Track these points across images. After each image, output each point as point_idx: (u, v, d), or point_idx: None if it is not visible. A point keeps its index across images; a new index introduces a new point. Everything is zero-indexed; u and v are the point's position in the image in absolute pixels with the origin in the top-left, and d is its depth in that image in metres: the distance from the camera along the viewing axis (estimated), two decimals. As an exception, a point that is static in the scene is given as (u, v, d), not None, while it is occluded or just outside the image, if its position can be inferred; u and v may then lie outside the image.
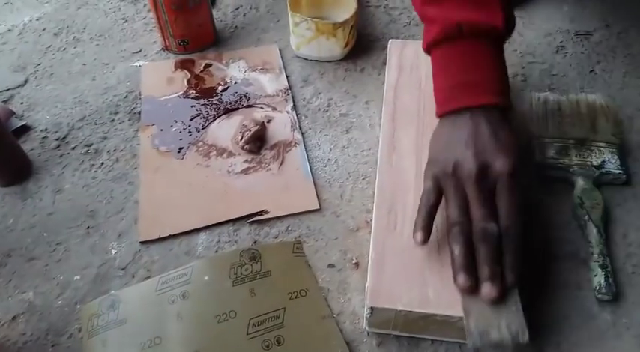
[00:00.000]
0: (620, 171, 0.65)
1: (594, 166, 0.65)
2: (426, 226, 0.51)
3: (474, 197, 0.50)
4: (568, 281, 0.58)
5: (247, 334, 0.53)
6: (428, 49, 0.61)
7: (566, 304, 0.57)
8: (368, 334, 0.55)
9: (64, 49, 0.92)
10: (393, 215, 0.57)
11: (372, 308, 0.50)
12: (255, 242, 0.63)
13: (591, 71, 0.83)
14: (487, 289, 0.47)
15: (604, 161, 0.66)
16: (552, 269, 0.60)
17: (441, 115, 0.58)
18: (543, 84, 0.81)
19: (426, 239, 0.51)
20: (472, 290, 0.48)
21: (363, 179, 0.69)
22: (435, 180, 0.53)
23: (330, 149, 0.74)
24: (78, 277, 0.61)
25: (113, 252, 0.63)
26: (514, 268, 0.48)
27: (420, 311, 0.49)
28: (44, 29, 0.96)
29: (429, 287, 0.51)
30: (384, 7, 0.97)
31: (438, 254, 0.53)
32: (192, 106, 0.79)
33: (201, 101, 0.80)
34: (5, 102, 0.81)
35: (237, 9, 0.98)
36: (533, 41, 0.89)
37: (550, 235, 0.63)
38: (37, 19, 0.98)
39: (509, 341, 0.45)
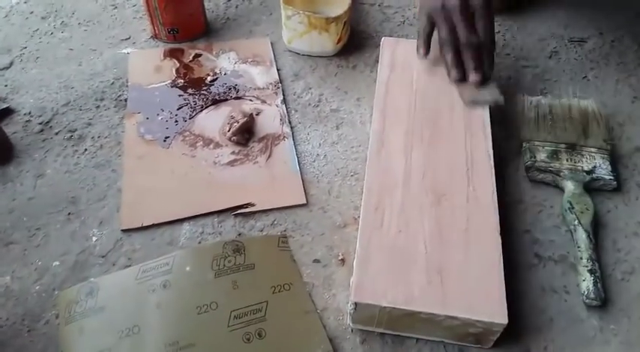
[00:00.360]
0: (611, 178, 0.65)
1: (585, 171, 0.66)
2: (425, 44, 0.72)
3: (459, 21, 0.66)
4: (556, 284, 0.58)
5: (228, 326, 0.52)
6: None
7: (554, 307, 0.57)
8: (352, 331, 0.54)
9: (51, 33, 0.90)
10: (380, 212, 0.57)
11: (355, 304, 0.50)
12: (239, 234, 0.62)
13: (584, 77, 0.83)
14: (473, 76, 0.68)
15: (595, 166, 0.66)
16: (540, 273, 0.59)
17: None
18: (536, 88, 0.81)
19: (426, 53, 0.72)
20: (462, 80, 0.69)
21: (352, 175, 0.69)
22: (428, 15, 0.69)
23: (320, 144, 0.73)
24: (57, 263, 0.59)
25: (94, 239, 0.61)
26: (490, 65, 0.70)
27: (405, 309, 0.49)
28: (32, 12, 0.94)
29: (414, 284, 0.50)
30: (379, 6, 0.96)
31: (424, 252, 0.53)
32: (179, 96, 0.78)
33: (190, 91, 0.78)
34: (-12, 84, 0.79)
35: (229, 0, 0.97)
36: (526, 45, 0.89)
37: (539, 238, 0.62)
38: (25, 2, 0.96)
39: (492, 102, 0.68)
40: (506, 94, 0.79)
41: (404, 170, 0.60)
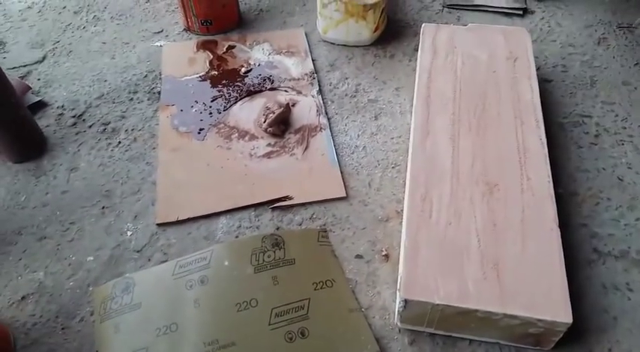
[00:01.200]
0: None
1: None
2: None
3: None
4: (618, 281, 0.54)
5: (269, 324, 0.49)
6: None
7: (617, 306, 0.52)
8: (399, 331, 0.51)
9: (84, 28, 0.89)
10: (428, 203, 0.53)
11: (405, 301, 0.47)
12: (277, 228, 0.60)
13: (636, 64, 0.78)
14: None
15: None
16: (600, 269, 0.55)
17: None
18: (585, 75, 0.77)
19: None
20: None
21: (393, 167, 0.66)
22: None
23: (358, 135, 0.70)
24: (91, 258, 0.57)
25: (128, 233, 0.59)
26: None
27: (459, 306, 0.45)
28: (64, 7, 0.93)
29: (469, 280, 0.47)
30: (416, -6, 0.93)
31: (478, 245, 0.49)
32: (213, 87, 0.76)
33: (224, 82, 0.76)
34: (22, 78, 0.79)
35: (262, -8, 0.94)
36: (573, 32, 0.84)
37: (597, 232, 0.58)
38: (57, -3, 0.96)
39: None
40: (555, 82, 0.76)
41: (452, 159, 0.57)
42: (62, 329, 0.52)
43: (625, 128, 0.70)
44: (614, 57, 0.80)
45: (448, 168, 0.56)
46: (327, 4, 0.78)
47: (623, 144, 0.68)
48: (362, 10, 0.77)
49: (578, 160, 0.66)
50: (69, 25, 0.89)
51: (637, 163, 0.65)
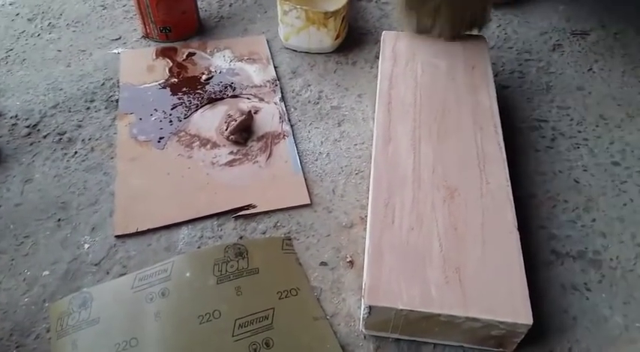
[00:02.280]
0: None
1: None
2: None
3: None
4: (576, 282, 0.55)
5: (233, 336, 0.48)
6: None
7: (576, 306, 0.54)
8: (365, 337, 0.51)
9: (38, 35, 0.86)
10: (391, 208, 0.53)
11: (370, 307, 0.47)
12: (241, 237, 0.59)
13: (589, 70, 0.81)
14: None
15: None
16: (559, 270, 0.57)
17: None
18: (541, 81, 0.79)
19: None
20: None
21: (357, 173, 0.66)
22: None
23: (322, 142, 0.70)
24: (47, 273, 0.55)
25: (86, 246, 0.58)
26: None
27: (423, 311, 0.46)
28: (17, 14, 0.90)
29: (431, 284, 0.47)
30: (376, 2, 0.94)
31: (440, 249, 0.50)
32: (173, 95, 0.74)
33: (184, 90, 0.75)
34: (-29, 87, 0.76)
35: (222, -1, 0.94)
36: (529, 39, 0.87)
37: (555, 234, 0.60)
38: (11, 4, 0.93)
39: None
40: (511, 88, 0.78)
41: (413, 165, 0.57)
42: (17, 347, 0.50)
43: (580, 132, 0.72)
44: (568, 63, 0.82)
45: (410, 173, 0.56)
46: (288, 12, 0.78)
47: (578, 147, 0.70)
48: (323, 17, 0.77)
49: (535, 163, 0.67)
50: (22, 32, 0.87)
51: (592, 166, 0.67)
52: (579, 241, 0.59)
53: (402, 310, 0.46)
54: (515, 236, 0.51)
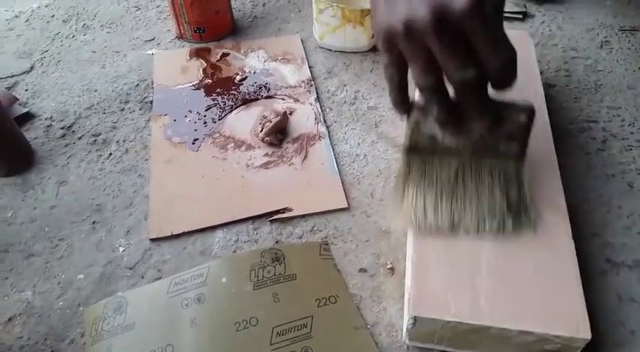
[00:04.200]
0: None
1: None
2: (401, 101, 0.47)
3: (439, 49, 0.39)
4: (634, 293, 0.52)
5: (271, 344, 0.46)
6: None
7: (634, 319, 0.50)
8: (408, 348, 0.48)
9: (73, 36, 0.86)
10: (435, 214, 0.51)
11: (414, 318, 0.44)
12: (277, 242, 0.57)
13: (640, 68, 0.77)
14: (479, 124, 0.44)
15: None
16: (614, 280, 0.53)
17: None
18: (589, 80, 0.75)
19: (406, 112, 0.47)
20: (463, 133, 0.48)
21: (396, 176, 0.63)
22: (390, 47, 0.42)
23: (358, 144, 0.67)
24: (81, 276, 0.54)
25: (120, 249, 0.57)
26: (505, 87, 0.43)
27: (472, 323, 0.43)
28: (52, 16, 0.91)
29: (481, 295, 0.44)
30: (413, -1, 0.91)
31: (489, 258, 0.47)
32: (207, 96, 0.73)
33: (218, 91, 0.74)
34: (9, 88, 0.76)
35: (256, -2, 0.93)
36: (575, 36, 0.83)
37: (609, 241, 0.56)
38: (46, 6, 0.93)
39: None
40: (558, 86, 0.74)
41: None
42: (51, 351, 0.49)
43: (632, 133, 0.68)
44: (617, 60, 0.78)
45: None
46: (324, 10, 0.76)
47: (630, 149, 0.66)
48: (359, 15, 0.75)
49: (586, 167, 0.64)
50: (57, 34, 0.87)
51: (646, 169, 0.63)
52: (636, 249, 0.56)
53: (449, 322, 0.43)
54: (571, 244, 0.48)
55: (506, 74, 0.41)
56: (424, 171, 0.50)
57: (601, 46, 0.81)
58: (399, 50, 0.42)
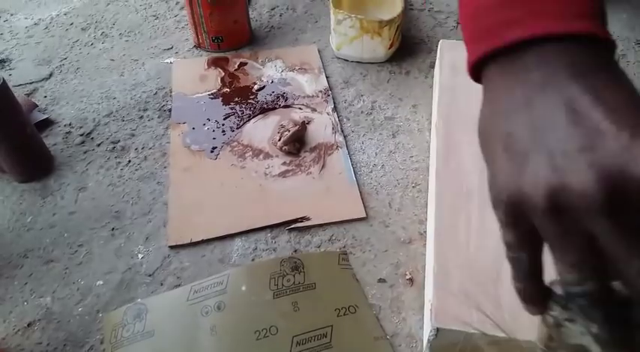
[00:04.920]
0: None
1: None
2: (535, 292, 0.29)
3: (612, 235, 0.23)
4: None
5: (291, 354, 0.46)
6: None
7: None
8: (428, 359, 0.48)
9: (92, 44, 0.87)
10: (455, 225, 0.51)
11: (437, 330, 0.44)
12: (295, 251, 0.57)
13: (657, 80, 0.77)
14: None
15: None
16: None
17: (478, 67, 0.30)
18: (605, 92, 0.75)
19: (541, 308, 0.29)
20: None
21: (414, 187, 0.63)
22: (518, 221, 0.26)
23: (376, 154, 0.68)
24: (100, 282, 0.55)
25: (139, 256, 0.57)
26: None
27: (495, 335, 0.43)
28: (71, 24, 0.92)
29: (504, 307, 0.44)
30: (429, 11, 0.92)
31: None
32: (226, 105, 0.74)
33: (236, 100, 0.74)
34: (28, 95, 0.77)
35: (273, 9, 0.93)
36: (590, 48, 0.83)
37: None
38: (65, 14, 0.94)
39: None
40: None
41: (478, 179, 0.54)
42: (70, 358, 0.49)
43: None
44: (635, 73, 0.78)
45: (476, 187, 0.54)
46: (342, 21, 0.77)
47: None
48: (377, 26, 0.76)
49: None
50: (76, 41, 0.88)
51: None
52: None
53: (472, 334, 0.43)
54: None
55: None
56: None
57: (618, 59, 0.81)
58: (531, 224, 0.26)
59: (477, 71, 0.31)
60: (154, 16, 0.93)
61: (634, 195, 0.22)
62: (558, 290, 0.28)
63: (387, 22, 0.75)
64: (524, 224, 0.26)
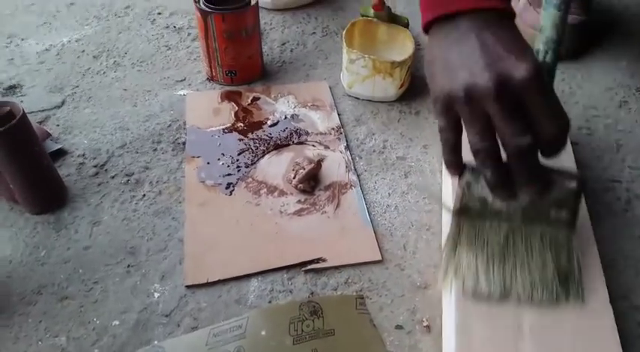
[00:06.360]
0: None
1: None
2: (455, 162, 0.49)
3: (498, 115, 0.42)
4: None
5: (313, 402, 0.46)
6: None
7: None
8: (448, 410, 0.48)
9: (104, 73, 0.87)
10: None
11: (460, 383, 0.44)
12: (312, 293, 0.57)
13: (659, 129, 0.79)
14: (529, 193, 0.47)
15: None
16: None
17: (428, 26, 0.49)
18: (610, 138, 0.77)
19: (458, 173, 0.49)
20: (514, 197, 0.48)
21: (427, 229, 0.64)
22: (447, 111, 0.45)
23: (389, 194, 0.68)
24: (116, 322, 0.54)
25: (156, 295, 0.57)
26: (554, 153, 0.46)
27: (518, 389, 0.43)
28: (83, 51, 0.92)
29: (526, 360, 0.45)
30: (437, 51, 0.94)
31: (532, 323, 0.47)
32: (240, 140, 0.74)
33: (250, 135, 0.75)
34: (40, 123, 0.77)
35: (284, 44, 0.95)
36: (594, 94, 0.85)
37: (638, 306, 0.57)
38: (77, 41, 0.95)
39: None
40: (579, 145, 0.76)
41: (495, 227, 0.55)
42: (84, 401, 0.49)
43: (655, 195, 0.70)
44: (637, 121, 0.81)
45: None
46: (355, 60, 0.78)
47: (654, 211, 0.67)
48: (390, 67, 0.77)
49: (612, 227, 0.65)
50: (88, 69, 0.88)
51: (670, 231, 0.65)
52: None
53: (495, 387, 0.44)
54: (609, 310, 0.49)
55: (559, 141, 0.44)
56: (475, 235, 0.51)
57: (620, 106, 0.84)
58: (456, 114, 0.45)
59: (427, 30, 0.49)
60: (166, 46, 0.93)
61: (514, 88, 0.41)
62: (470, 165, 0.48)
63: (398, 64, 0.77)
64: (452, 114, 0.45)
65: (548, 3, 0.40)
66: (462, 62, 0.44)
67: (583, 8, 0.91)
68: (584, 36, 0.93)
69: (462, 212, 0.50)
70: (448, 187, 0.61)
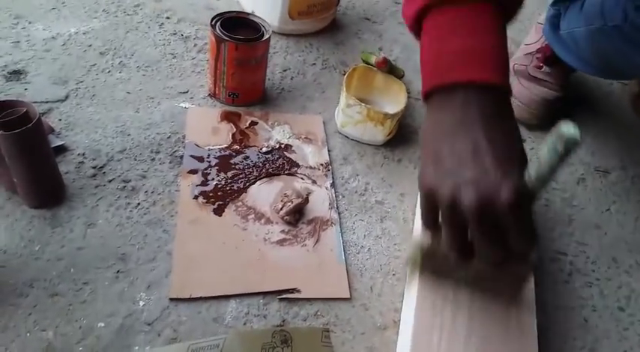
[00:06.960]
0: None
1: None
2: (433, 227, 0.53)
3: (476, 230, 0.46)
4: None
5: None
6: (417, 17, 0.53)
7: None
8: None
9: (109, 72, 0.90)
10: (430, 326, 0.59)
11: None
12: (284, 321, 0.63)
13: (607, 210, 0.89)
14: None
15: None
16: None
17: (427, 95, 0.51)
18: (564, 213, 0.86)
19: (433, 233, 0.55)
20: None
21: (394, 275, 0.71)
22: (430, 204, 0.49)
23: (364, 236, 0.75)
24: (102, 324, 0.58)
25: (141, 303, 0.61)
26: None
27: None
28: (90, 45, 0.95)
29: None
30: (424, 102, 1.01)
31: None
32: (235, 162, 0.79)
33: (244, 159, 0.80)
34: (43, 114, 0.79)
35: (285, 70, 1.00)
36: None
37: None
38: (84, 33, 0.97)
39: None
40: (536, 215, 0.84)
41: (454, 287, 0.63)
42: (64, 394, 0.53)
43: (593, 271, 0.79)
44: (590, 199, 0.90)
45: (451, 294, 0.62)
46: (352, 106, 0.84)
47: (590, 286, 0.76)
48: (382, 117, 0.84)
49: (552, 297, 0.73)
50: (93, 65, 0.91)
51: (600, 307, 0.74)
52: None
53: None
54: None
55: (525, 254, 0.51)
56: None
57: (578, 182, 0.93)
58: (437, 207, 0.48)
59: (426, 98, 0.52)
60: (172, 54, 0.97)
61: (495, 212, 0.44)
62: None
63: (391, 115, 0.84)
64: (434, 207, 0.48)
65: (554, 151, 0.41)
66: (452, 162, 0.47)
67: (560, 85, 1.00)
68: (556, 110, 1.02)
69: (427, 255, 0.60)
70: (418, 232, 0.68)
